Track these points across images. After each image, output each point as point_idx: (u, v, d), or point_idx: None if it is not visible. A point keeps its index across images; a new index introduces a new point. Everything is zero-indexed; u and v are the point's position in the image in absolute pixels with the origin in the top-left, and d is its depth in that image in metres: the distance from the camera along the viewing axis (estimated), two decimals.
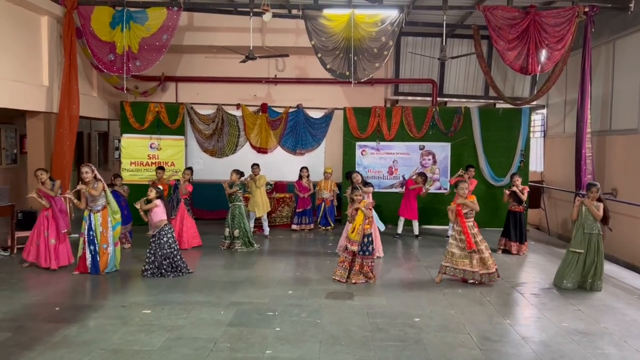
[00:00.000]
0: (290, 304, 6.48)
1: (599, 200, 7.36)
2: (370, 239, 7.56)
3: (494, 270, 7.47)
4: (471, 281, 7.45)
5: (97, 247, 7.65)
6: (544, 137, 13.66)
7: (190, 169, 10.48)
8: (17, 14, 8.90)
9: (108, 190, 7.82)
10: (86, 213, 7.70)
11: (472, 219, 7.55)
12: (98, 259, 7.66)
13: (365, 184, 9.47)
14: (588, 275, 7.33)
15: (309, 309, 6.28)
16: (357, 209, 7.49)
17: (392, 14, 9.83)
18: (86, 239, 7.65)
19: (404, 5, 9.89)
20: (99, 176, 7.71)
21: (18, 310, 6.10)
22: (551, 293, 7.21)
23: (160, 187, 8.67)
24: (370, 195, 9.07)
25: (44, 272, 7.80)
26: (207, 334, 5.42)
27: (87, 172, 7.60)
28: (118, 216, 7.90)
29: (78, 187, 7.61)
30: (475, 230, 7.51)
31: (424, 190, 10.92)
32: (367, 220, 7.50)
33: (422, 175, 10.90)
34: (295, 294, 6.93)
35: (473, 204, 7.49)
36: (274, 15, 11.55)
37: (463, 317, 6.13)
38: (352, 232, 7.50)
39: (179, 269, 7.72)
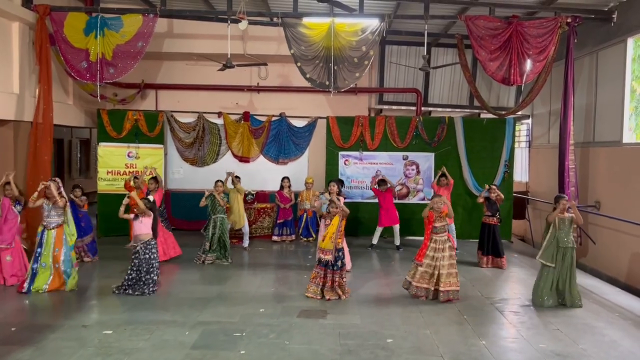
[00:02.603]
0: (260, 323, 6.24)
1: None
2: (341, 253, 7.36)
3: (455, 288, 7.25)
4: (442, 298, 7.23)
5: (38, 266, 7.32)
6: (529, 147, 13.54)
7: (155, 178, 10.09)
8: None
9: (69, 209, 7.55)
10: (40, 229, 7.42)
11: (446, 233, 7.32)
12: (35, 278, 7.32)
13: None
14: (564, 291, 7.15)
15: (278, 329, 6.04)
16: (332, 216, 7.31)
17: (373, 23, 9.64)
18: (33, 255, 7.37)
19: (385, 15, 9.71)
20: (63, 193, 7.45)
21: None
22: (531, 311, 7.02)
23: (151, 198, 8.37)
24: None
25: (6, 289, 7.49)
26: (168, 357, 5.18)
27: (52, 188, 7.32)
28: (74, 238, 7.61)
29: (37, 201, 7.35)
30: (447, 245, 7.27)
31: (396, 190, 10.94)
32: (340, 234, 7.29)
33: (382, 182, 10.69)
34: (266, 312, 6.69)
35: (448, 216, 7.31)
36: (255, 23, 11.37)
37: (438, 337, 5.91)
38: (323, 240, 7.29)
39: (151, 285, 7.38)
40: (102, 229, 11.77)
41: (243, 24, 9.07)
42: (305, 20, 9.71)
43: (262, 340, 5.69)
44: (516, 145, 13.35)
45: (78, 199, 9.26)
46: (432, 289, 7.27)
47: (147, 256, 7.34)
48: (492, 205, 9.40)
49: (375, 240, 10.80)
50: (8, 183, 7.77)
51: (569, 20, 9.48)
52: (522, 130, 14.18)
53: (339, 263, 7.32)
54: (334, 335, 5.91)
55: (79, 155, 18.11)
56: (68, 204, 7.50)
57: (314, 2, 8.85)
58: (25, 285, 7.31)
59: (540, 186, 12.61)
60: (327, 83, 9.73)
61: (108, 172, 12.02)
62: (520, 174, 13.91)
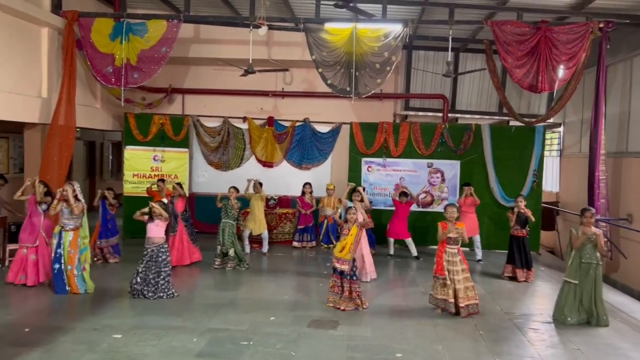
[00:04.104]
0: (269, 332, 6.17)
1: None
2: (355, 262, 7.24)
3: (474, 302, 7.04)
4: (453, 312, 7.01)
5: (62, 267, 7.46)
6: (560, 156, 13.10)
7: (179, 184, 10.21)
8: (17, 26, 8.86)
9: (85, 213, 7.67)
10: (57, 229, 7.57)
11: (458, 245, 7.11)
12: (64, 279, 7.46)
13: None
14: (590, 309, 6.82)
15: (286, 339, 5.96)
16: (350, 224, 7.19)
17: (395, 29, 9.48)
18: (53, 256, 7.50)
19: (409, 20, 9.54)
20: (80, 197, 7.56)
21: None
22: (551, 328, 6.73)
23: (165, 200, 8.46)
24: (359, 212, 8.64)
25: (27, 289, 7.63)
26: None
27: (67, 190, 7.45)
28: (87, 241, 7.75)
29: (57, 206, 7.51)
30: (458, 258, 7.06)
31: (420, 198, 11.28)
32: (358, 244, 7.18)
33: (404, 194, 10.54)
34: (277, 320, 6.62)
35: (462, 233, 7.07)
36: (279, 29, 11.40)
37: (449, 353, 5.72)
38: (341, 250, 7.17)
39: (167, 290, 7.44)
40: (128, 230, 11.93)
41: (263, 30, 9.06)
42: (327, 25, 9.63)
43: (269, 350, 5.62)
44: (547, 154, 12.94)
45: (110, 201, 9.47)
46: (453, 302, 7.06)
47: (159, 259, 7.37)
48: (520, 217, 9.08)
49: (391, 251, 10.61)
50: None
51: (601, 25, 9.11)
52: (554, 138, 13.73)
53: (357, 272, 7.23)
54: (342, 347, 5.79)
55: (110, 157, 18.49)
56: (84, 208, 7.60)
57: (337, 8, 8.77)
58: (54, 284, 7.47)
59: (571, 197, 12.17)
60: (348, 89, 9.62)
61: (134, 175, 12.20)
62: (551, 184, 13.48)
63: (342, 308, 7.08)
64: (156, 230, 7.40)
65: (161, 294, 7.34)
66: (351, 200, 9.42)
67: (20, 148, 12.82)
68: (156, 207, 7.37)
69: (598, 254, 6.84)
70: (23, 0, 8.65)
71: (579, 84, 9.64)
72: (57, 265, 7.49)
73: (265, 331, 6.19)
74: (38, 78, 9.51)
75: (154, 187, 10.15)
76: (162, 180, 10.38)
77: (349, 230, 7.20)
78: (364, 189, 10.89)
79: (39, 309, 6.92)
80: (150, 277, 7.33)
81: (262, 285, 8.49)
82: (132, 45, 9.61)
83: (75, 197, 7.47)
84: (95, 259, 9.22)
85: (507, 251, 9.38)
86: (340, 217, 7.48)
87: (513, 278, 9.11)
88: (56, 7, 9.60)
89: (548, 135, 13.02)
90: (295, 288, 8.29)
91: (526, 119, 11.53)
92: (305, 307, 7.21)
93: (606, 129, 9.59)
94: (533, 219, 9.12)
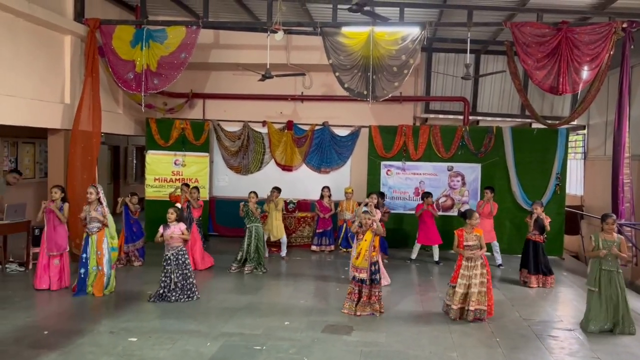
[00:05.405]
0: (282, 337, 6.17)
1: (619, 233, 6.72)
2: (376, 267, 7.21)
3: (483, 307, 6.90)
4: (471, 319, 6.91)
5: (87, 270, 7.60)
6: (585, 159, 12.82)
7: (197, 188, 10.37)
8: (41, 34, 9.08)
9: (110, 216, 7.80)
10: (84, 235, 7.74)
11: (478, 250, 6.99)
12: (86, 281, 7.60)
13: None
14: (616, 318, 6.63)
15: (299, 344, 5.95)
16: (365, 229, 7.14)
17: (413, 31, 9.43)
18: (79, 260, 7.68)
19: (427, 23, 9.47)
20: (102, 199, 7.70)
21: (7, 332, 6.08)
22: (571, 335, 6.57)
23: (179, 205, 8.58)
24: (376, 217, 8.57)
25: (49, 292, 7.78)
26: None
27: (92, 192, 7.61)
28: (115, 241, 7.89)
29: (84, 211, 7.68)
30: (479, 262, 6.93)
31: (440, 202, 11.34)
32: (373, 247, 7.13)
33: (427, 194, 10.46)
34: (291, 325, 6.61)
35: (480, 240, 6.95)
36: (298, 33, 11.44)
37: None
38: (357, 258, 7.15)
39: (192, 291, 7.54)
40: (150, 234, 12.06)
41: (279, 35, 9.09)
42: (345, 29, 9.64)
43: (281, 355, 5.62)
44: (572, 156, 12.69)
45: (133, 206, 9.61)
46: (465, 308, 6.95)
47: (181, 261, 7.47)
48: (538, 223, 8.89)
49: (414, 256, 10.52)
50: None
51: (624, 25, 8.89)
52: (579, 140, 13.46)
53: (378, 276, 7.19)
54: (356, 353, 5.75)
55: (134, 162, 18.80)
56: (106, 211, 7.73)
57: (351, 12, 8.75)
58: (77, 287, 7.65)
59: (595, 200, 11.90)
60: (365, 93, 9.59)
61: (155, 179, 12.38)
62: (575, 187, 13.20)
63: (358, 313, 7.04)
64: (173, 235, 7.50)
65: (190, 295, 7.45)
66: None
67: (46, 153, 13.12)
68: (171, 213, 7.49)
69: (618, 261, 6.66)
70: (46, 9, 8.86)
71: (602, 85, 9.42)
72: (82, 270, 7.66)
73: (279, 336, 6.19)
74: (61, 85, 9.73)
75: (177, 192, 10.27)
76: (187, 185, 10.49)
77: (364, 235, 7.17)
78: (383, 196, 10.91)
79: (60, 311, 7.05)
80: (176, 280, 7.42)
81: (279, 290, 8.51)
82: (152, 51, 9.78)
83: (99, 199, 7.62)
84: (119, 263, 9.30)
85: None
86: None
87: (526, 283, 8.94)
88: (79, 15, 9.80)
89: (572, 138, 12.78)
90: (312, 293, 8.28)
91: (549, 121, 11.33)
92: (321, 312, 7.19)
93: (630, 131, 9.35)
94: (549, 228, 8.86)
